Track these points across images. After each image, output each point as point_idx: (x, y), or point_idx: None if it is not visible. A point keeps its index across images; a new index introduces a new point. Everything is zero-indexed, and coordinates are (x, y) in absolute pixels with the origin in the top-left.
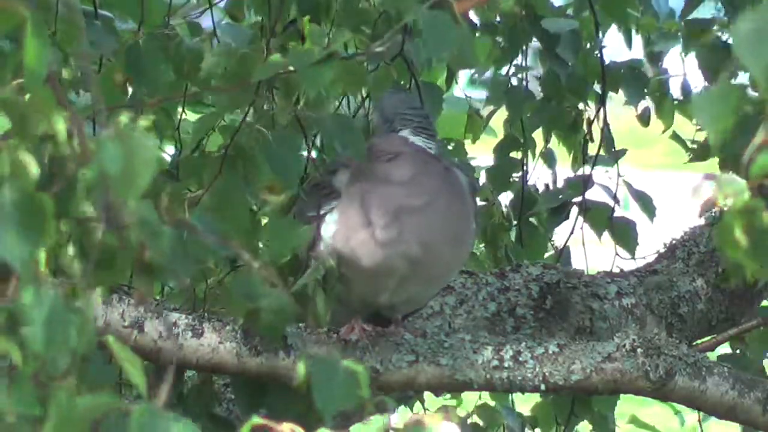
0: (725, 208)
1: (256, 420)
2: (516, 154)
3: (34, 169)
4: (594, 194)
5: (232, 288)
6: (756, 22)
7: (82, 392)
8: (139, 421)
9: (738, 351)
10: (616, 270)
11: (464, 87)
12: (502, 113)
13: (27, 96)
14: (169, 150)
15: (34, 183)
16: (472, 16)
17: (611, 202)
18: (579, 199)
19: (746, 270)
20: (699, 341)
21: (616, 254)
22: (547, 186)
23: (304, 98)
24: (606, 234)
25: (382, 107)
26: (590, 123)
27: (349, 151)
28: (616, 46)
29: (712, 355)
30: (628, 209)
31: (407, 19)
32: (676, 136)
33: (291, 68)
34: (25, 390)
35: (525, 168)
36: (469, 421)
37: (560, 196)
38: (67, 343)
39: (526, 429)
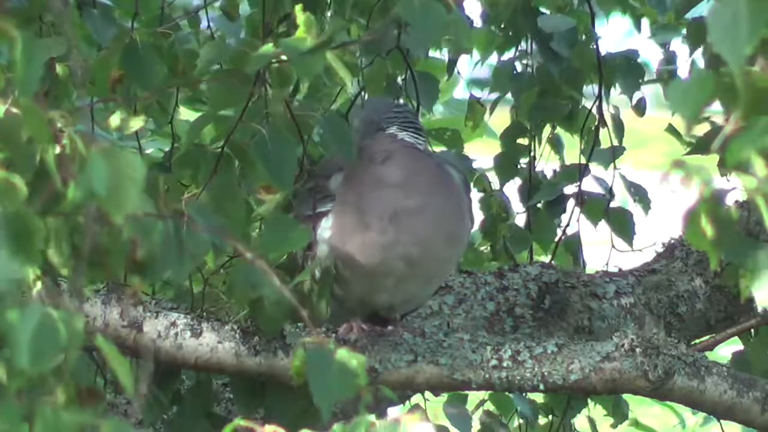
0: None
1: (239, 422)
2: (523, 141)
3: (22, 188)
4: (590, 187)
5: (234, 277)
6: (732, 8)
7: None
8: None
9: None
10: (613, 268)
11: (464, 87)
12: (504, 107)
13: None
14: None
15: (23, 202)
16: (472, 6)
17: (607, 194)
18: (576, 191)
19: (711, 260)
20: (698, 341)
21: (613, 246)
22: (554, 172)
23: (300, 92)
24: (602, 230)
25: (365, 113)
26: (586, 116)
27: (339, 152)
28: (613, 38)
29: (712, 355)
30: (627, 206)
31: (398, 7)
32: (671, 129)
33: (284, 58)
34: (11, 407)
35: (532, 154)
36: (482, 408)
37: (557, 188)
38: (54, 359)
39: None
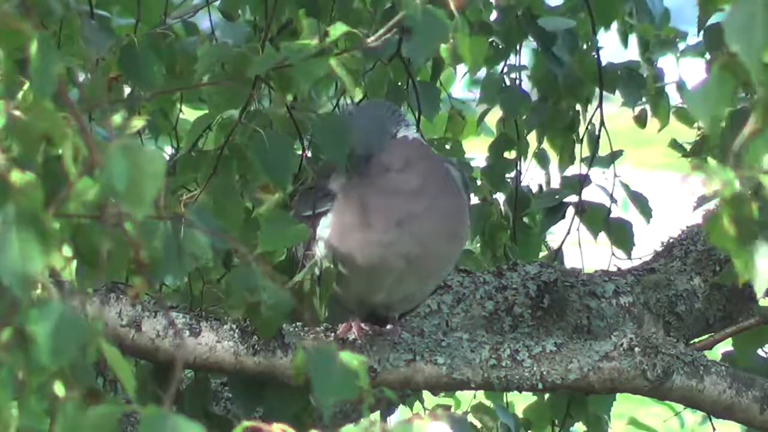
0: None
1: (247, 424)
2: (510, 154)
3: (38, 187)
4: (590, 195)
5: (233, 281)
6: (748, 9)
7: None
8: (148, 422)
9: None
10: (612, 267)
11: (464, 88)
12: (495, 113)
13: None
14: (167, 149)
15: (40, 202)
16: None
17: (608, 203)
18: (575, 199)
19: (735, 264)
20: (696, 340)
21: (613, 254)
22: (540, 186)
23: (299, 96)
24: (602, 234)
25: (372, 122)
26: (588, 124)
27: (331, 154)
28: (615, 48)
29: (710, 354)
30: (627, 210)
31: (404, 12)
32: (674, 143)
33: (287, 62)
34: (32, 403)
35: (518, 168)
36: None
37: (556, 196)
38: (73, 353)
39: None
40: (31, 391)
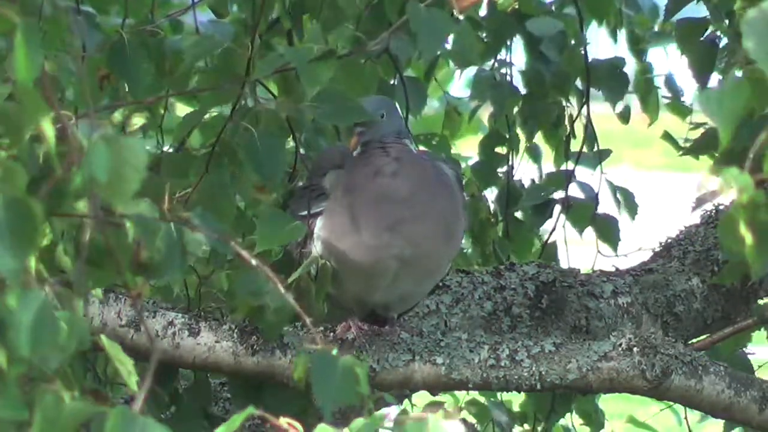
0: (722, 205)
1: (251, 411)
2: (501, 150)
3: (23, 174)
4: (578, 192)
5: (237, 284)
6: (765, 13)
7: (74, 392)
8: (114, 423)
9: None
10: (609, 268)
11: (464, 86)
12: (487, 109)
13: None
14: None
15: (23, 188)
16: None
17: (593, 200)
18: (562, 196)
19: (750, 266)
20: (695, 340)
21: (598, 251)
22: (532, 181)
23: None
24: (587, 232)
25: (393, 113)
26: (572, 120)
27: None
28: (604, 43)
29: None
30: (619, 208)
31: (406, 16)
32: (667, 136)
33: (290, 66)
34: (12, 394)
35: (510, 163)
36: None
37: (542, 193)
38: (54, 345)
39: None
40: (10, 382)
